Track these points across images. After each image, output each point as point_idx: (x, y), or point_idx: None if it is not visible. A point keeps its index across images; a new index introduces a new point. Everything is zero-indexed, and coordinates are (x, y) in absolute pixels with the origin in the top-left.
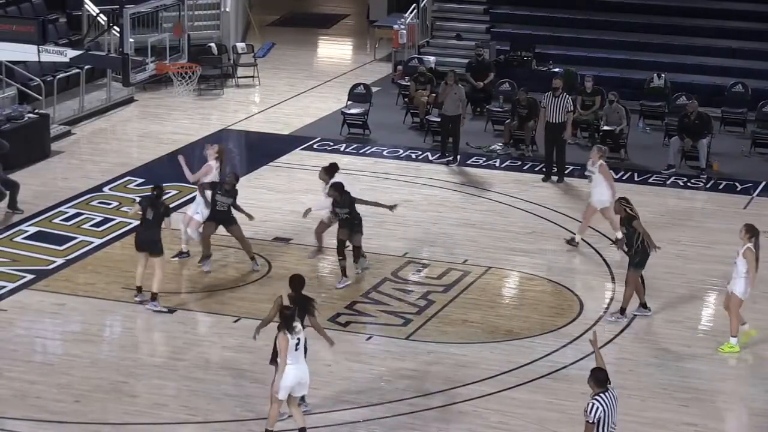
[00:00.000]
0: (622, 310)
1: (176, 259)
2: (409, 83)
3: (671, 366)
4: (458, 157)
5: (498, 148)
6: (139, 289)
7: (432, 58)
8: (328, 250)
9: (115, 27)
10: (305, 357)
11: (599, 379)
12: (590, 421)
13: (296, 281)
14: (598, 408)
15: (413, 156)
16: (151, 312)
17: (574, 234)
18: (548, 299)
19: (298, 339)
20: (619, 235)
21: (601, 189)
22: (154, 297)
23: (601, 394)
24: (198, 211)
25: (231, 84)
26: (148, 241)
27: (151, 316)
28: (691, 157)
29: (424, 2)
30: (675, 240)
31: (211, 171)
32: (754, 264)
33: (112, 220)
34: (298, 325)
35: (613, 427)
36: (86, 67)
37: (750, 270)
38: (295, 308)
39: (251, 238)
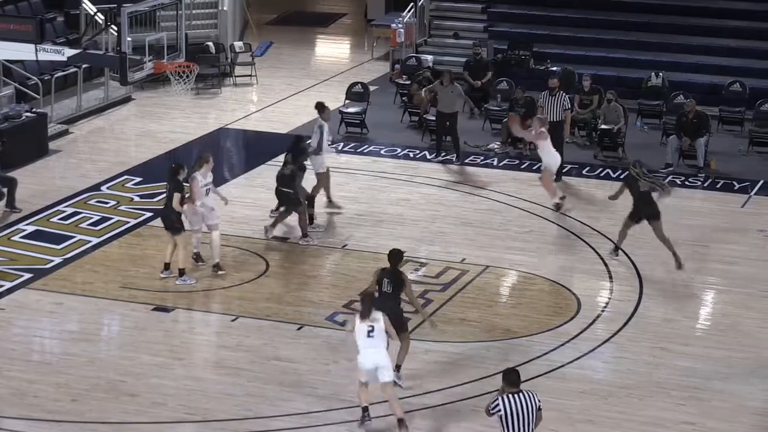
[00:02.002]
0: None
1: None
2: (407, 82)
3: (669, 365)
4: (459, 155)
5: (496, 147)
6: (166, 266)
7: (430, 57)
8: (328, 248)
9: (112, 26)
10: (383, 344)
11: (510, 380)
12: (488, 411)
13: (394, 255)
14: (497, 406)
15: (411, 155)
16: (150, 311)
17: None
18: (546, 298)
19: (372, 326)
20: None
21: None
22: (181, 273)
23: (510, 395)
24: None
25: (229, 83)
26: (161, 216)
27: (149, 314)
28: (688, 156)
29: (421, 1)
30: (673, 239)
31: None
32: None
33: (110, 219)
34: (375, 313)
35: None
36: (84, 65)
37: None
38: (374, 296)
39: (249, 237)
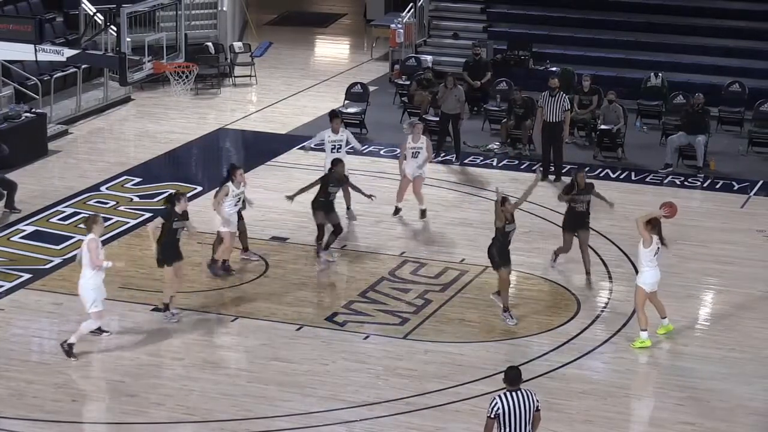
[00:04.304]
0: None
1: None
2: (406, 82)
3: (668, 365)
4: (459, 155)
5: (495, 147)
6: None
7: (429, 57)
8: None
9: (112, 26)
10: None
11: (510, 377)
12: (488, 416)
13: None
14: (496, 404)
15: None
16: (149, 311)
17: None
18: (545, 298)
19: (239, 196)
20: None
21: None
22: (166, 307)
23: (508, 393)
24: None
25: (228, 83)
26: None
27: (147, 315)
28: (688, 156)
29: (421, 1)
30: (672, 239)
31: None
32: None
33: (109, 219)
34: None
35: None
36: (83, 66)
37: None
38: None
39: (249, 237)
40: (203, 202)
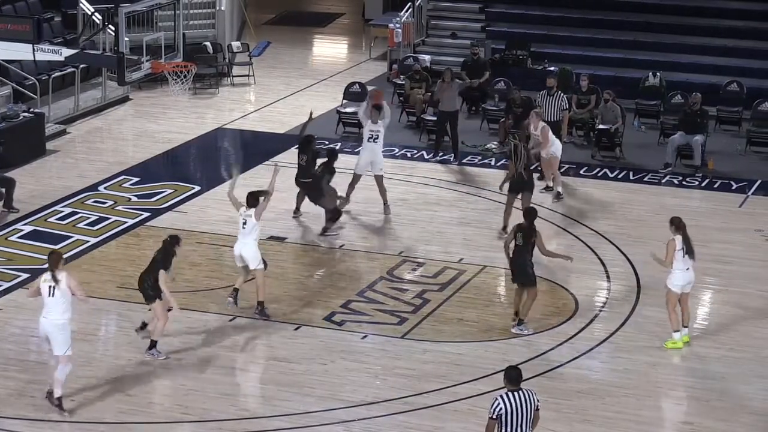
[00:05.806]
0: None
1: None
2: (404, 82)
3: (667, 364)
4: (458, 155)
5: (493, 146)
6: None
7: (427, 57)
8: (325, 248)
9: (110, 26)
10: (246, 238)
11: (511, 377)
12: (490, 416)
13: (529, 212)
14: (498, 404)
15: (408, 155)
16: (147, 311)
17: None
18: (543, 298)
19: (245, 219)
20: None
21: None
22: (152, 345)
23: (509, 393)
24: None
25: (226, 83)
26: (141, 278)
27: (146, 315)
28: (686, 155)
29: (419, 1)
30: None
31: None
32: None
33: (107, 219)
34: (249, 210)
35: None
36: (81, 65)
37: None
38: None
39: None
40: (202, 202)
